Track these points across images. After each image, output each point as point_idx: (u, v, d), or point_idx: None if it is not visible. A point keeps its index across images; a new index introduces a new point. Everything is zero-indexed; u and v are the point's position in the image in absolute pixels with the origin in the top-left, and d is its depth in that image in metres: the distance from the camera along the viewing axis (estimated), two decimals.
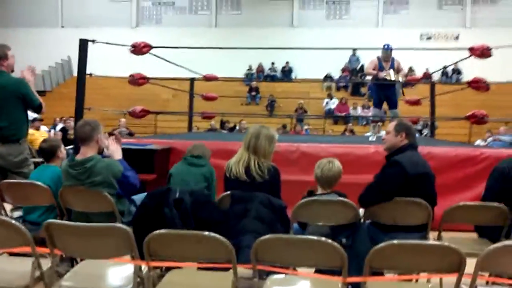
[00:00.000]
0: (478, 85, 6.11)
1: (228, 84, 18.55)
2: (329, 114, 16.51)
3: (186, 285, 2.50)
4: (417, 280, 2.73)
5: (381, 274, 2.58)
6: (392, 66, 7.44)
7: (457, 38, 18.81)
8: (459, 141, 11.30)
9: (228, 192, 3.41)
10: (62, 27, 21.32)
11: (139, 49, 6.15)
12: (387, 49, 7.42)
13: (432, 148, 5.77)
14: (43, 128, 11.11)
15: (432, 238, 3.43)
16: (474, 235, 3.71)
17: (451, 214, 3.40)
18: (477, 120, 5.98)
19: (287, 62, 20.10)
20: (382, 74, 7.38)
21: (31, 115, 8.94)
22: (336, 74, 19.78)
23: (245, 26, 20.16)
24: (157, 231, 2.35)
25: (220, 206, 3.48)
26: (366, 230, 3.35)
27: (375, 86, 7.90)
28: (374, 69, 7.60)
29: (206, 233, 2.33)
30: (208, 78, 9.51)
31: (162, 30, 20.39)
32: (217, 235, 2.32)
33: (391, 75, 7.36)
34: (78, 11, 21.20)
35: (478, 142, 12.42)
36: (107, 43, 6.08)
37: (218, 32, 20.45)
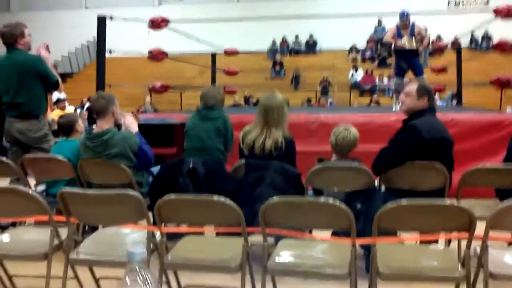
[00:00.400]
0: (503, 47, 5.91)
1: (253, 59, 18.45)
2: (355, 86, 16.28)
3: (199, 250, 2.54)
4: (428, 242, 2.70)
5: (395, 234, 2.57)
6: (412, 33, 7.18)
7: (487, 2, 18.13)
8: (490, 108, 11.02)
9: (243, 161, 3.42)
10: (86, 8, 21.50)
11: (157, 24, 6.17)
12: (403, 16, 7.18)
13: (456, 115, 5.66)
14: (70, 108, 11.31)
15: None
16: (496, 201, 3.64)
17: (470, 178, 3.33)
18: (503, 84, 5.80)
19: (311, 35, 19.84)
20: (400, 42, 7.15)
21: (55, 95, 9.13)
22: (362, 45, 19.41)
23: (268, 0, 19.91)
24: (167, 197, 2.38)
25: (235, 174, 3.51)
26: (381, 195, 3.32)
27: (395, 55, 7.68)
28: (392, 38, 7.38)
29: (216, 197, 2.35)
30: (228, 53, 9.49)
31: (185, 7, 20.34)
32: (227, 200, 2.34)
33: (410, 42, 7.13)
34: None
35: (509, 109, 12.07)
36: (124, 19, 6.11)
37: (241, 7, 20.28)
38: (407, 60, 7.44)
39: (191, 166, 3.37)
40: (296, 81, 17.53)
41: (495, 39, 16.08)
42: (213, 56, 10.20)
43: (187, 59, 16.05)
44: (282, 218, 2.37)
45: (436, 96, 12.19)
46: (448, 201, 2.22)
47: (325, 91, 15.68)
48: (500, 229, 2.25)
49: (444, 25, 16.35)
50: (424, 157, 3.24)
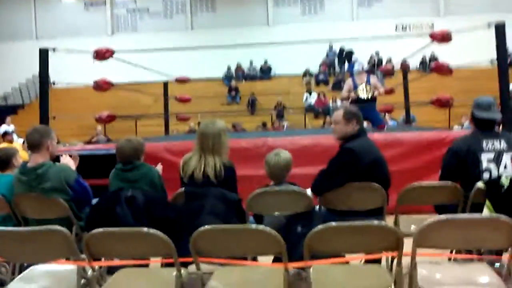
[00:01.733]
0: (440, 69, 6.15)
1: (208, 85, 18.54)
2: (309, 109, 16.54)
3: (131, 284, 2.47)
4: (361, 261, 2.72)
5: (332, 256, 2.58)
6: (368, 83, 7.27)
7: (432, 27, 18.90)
8: (439, 127, 11.37)
9: (182, 190, 3.39)
10: (37, 38, 21.15)
11: (102, 54, 6.11)
12: (352, 70, 7.31)
13: (401, 134, 5.81)
14: (20, 141, 11.01)
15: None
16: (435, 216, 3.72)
17: (407, 196, 3.41)
18: (442, 103, 6.01)
19: (265, 61, 20.13)
20: (353, 95, 7.19)
21: (3, 128, 8.88)
22: (315, 69, 19.82)
23: (221, 27, 20.16)
24: (95, 230, 2.32)
25: (175, 203, 3.47)
26: (321, 217, 3.34)
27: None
28: (348, 92, 7.46)
29: (145, 229, 2.31)
30: (179, 80, 9.47)
31: (139, 37, 20.34)
32: (157, 231, 2.30)
33: (364, 91, 7.17)
34: (53, 22, 21.11)
35: (456, 127, 12.51)
36: (68, 50, 6.03)
37: (194, 35, 20.44)
38: (364, 113, 7.43)
39: (129, 194, 3.30)
40: (252, 105, 17.67)
41: (442, 60, 16.80)
42: (165, 84, 10.16)
43: (141, 88, 15.93)
44: (214, 246, 2.35)
45: (387, 116, 12.51)
46: (375, 222, 2.25)
47: (280, 115, 15.84)
48: (427, 246, 2.28)
49: (394, 48, 16.93)
50: (362, 178, 3.31)
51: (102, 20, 21.32)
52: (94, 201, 3.68)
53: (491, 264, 2.58)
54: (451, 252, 3.07)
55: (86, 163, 4.91)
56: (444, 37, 5.81)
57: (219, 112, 15.43)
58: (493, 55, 5.59)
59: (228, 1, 20.99)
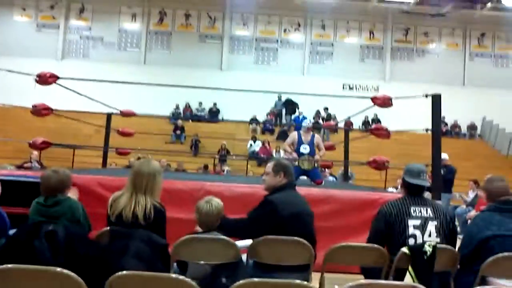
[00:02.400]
0: (379, 132, 6.39)
1: (154, 122, 18.35)
2: (252, 156, 16.65)
3: None
4: None
5: None
6: (311, 142, 7.28)
7: (376, 89, 19.80)
8: (376, 186, 11.69)
9: (107, 228, 3.26)
10: None
11: (45, 79, 5.94)
12: (302, 123, 7.35)
13: (335, 192, 5.91)
14: None
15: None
16: (361, 277, 3.75)
17: (334, 254, 3.42)
18: (378, 165, 6.20)
19: (214, 104, 20.26)
20: (295, 161, 7.15)
21: None
22: (262, 118, 20.13)
23: (174, 65, 20.25)
24: (2, 266, 2.16)
25: (99, 241, 3.32)
26: (247, 269, 3.30)
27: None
28: (291, 145, 7.44)
29: (58, 269, 2.18)
30: (125, 114, 9.33)
31: (89, 64, 20.06)
32: (68, 272, 2.18)
33: (304, 163, 7.12)
34: (1, 40, 20.47)
35: (390, 189, 12.90)
36: (9, 71, 5.83)
37: (146, 70, 20.38)
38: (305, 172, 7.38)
39: (50, 228, 3.13)
40: (195, 147, 17.58)
41: (384, 123, 17.51)
42: (109, 115, 9.98)
43: (85, 117, 15.48)
44: None
45: (326, 171, 12.75)
46: (297, 281, 2.23)
47: (223, 159, 15.83)
48: None
49: (339, 106, 17.51)
50: (282, 231, 3.31)
51: (53, 43, 20.92)
52: (12, 232, 3.48)
53: None
54: None
55: (10, 189, 4.67)
56: (385, 102, 6.07)
57: (162, 150, 15.22)
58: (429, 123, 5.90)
59: (184, 42, 21.22)
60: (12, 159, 13.97)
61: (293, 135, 7.61)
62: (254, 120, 19.50)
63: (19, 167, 11.43)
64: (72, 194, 3.67)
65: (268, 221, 3.31)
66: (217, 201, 3.40)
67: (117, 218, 3.23)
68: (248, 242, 3.42)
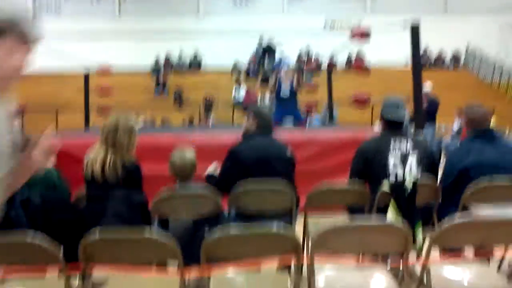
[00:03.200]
0: (359, 68, 6.27)
1: (134, 77, 18.02)
2: (237, 103, 16.50)
3: None
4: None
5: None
6: (291, 85, 7.38)
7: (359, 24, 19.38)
8: (363, 125, 11.66)
9: (84, 191, 3.21)
10: None
11: None
12: (279, 67, 7.32)
13: (317, 132, 5.86)
14: None
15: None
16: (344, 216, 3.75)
17: (316, 197, 3.41)
18: (360, 103, 6.13)
19: (195, 54, 19.82)
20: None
21: None
22: (245, 62, 19.76)
23: (151, 15, 19.64)
24: None
25: (77, 205, 3.28)
26: (230, 220, 3.29)
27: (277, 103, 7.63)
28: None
29: (29, 236, 2.13)
30: (102, 73, 9.09)
31: (62, 21, 19.39)
32: (40, 240, 2.13)
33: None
34: None
35: (378, 125, 12.87)
36: None
37: (122, 22, 19.77)
38: (286, 110, 7.45)
39: (25, 196, 3.07)
40: (179, 99, 17.35)
41: (368, 60, 17.31)
42: (86, 75, 9.71)
43: (64, 79, 15.16)
44: (107, 253, 2.21)
45: (313, 114, 12.68)
46: (274, 228, 2.21)
47: (208, 109, 15.68)
48: (325, 251, 2.26)
49: (322, 45, 17.21)
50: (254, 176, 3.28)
51: (22, 1, 20.11)
52: None
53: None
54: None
55: None
56: (363, 35, 5.91)
57: (145, 106, 15.03)
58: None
59: None
60: None
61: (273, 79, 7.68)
62: (236, 66, 19.19)
63: None
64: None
65: (234, 171, 3.29)
66: (190, 153, 3.33)
67: (92, 178, 3.18)
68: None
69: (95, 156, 3.21)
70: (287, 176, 3.39)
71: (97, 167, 3.15)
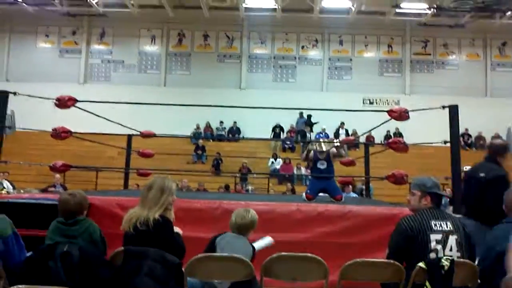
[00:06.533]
0: (396, 145, 6.32)
1: (175, 142, 18.52)
2: (273, 173, 16.60)
3: None
4: None
5: None
6: (328, 157, 7.20)
7: (397, 103, 19.60)
8: (397, 202, 11.49)
9: (121, 248, 3.29)
10: (7, 80, 20.97)
11: (64, 102, 6.08)
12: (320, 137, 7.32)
13: (353, 207, 5.83)
14: None
15: None
16: None
17: (348, 271, 3.38)
18: (396, 180, 6.11)
19: (234, 122, 20.34)
20: (312, 147, 7.16)
21: None
22: (283, 136, 20.12)
23: (194, 87, 20.45)
24: (14, 287, 2.20)
25: (113, 262, 3.35)
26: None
27: (312, 178, 7.48)
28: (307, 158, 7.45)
29: None
30: (145, 135, 9.43)
31: (111, 87, 20.44)
32: None
33: (322, 146, 7.12)
34: (25, 66, 21.06)
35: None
36: (29, 95, 5.98)
37: (166, 91, 20.64)
38: (322, 184, 7.25)
39: (65, 249, 3.18)
40: (217, 167, 17.63)
41: (406, 137, 17.29)
42: (129, 137, 10.09)
43: (107, 139, 15.66)
44: None
45: (350, 187, 12.61)
46: None
47: (244, 178, 15.83)
48: None
49: (360, 122, 17.39)
50: None
51: (76, 68, 21.39)
52: (28, 254, 3.53)
53: None
54: None
55: (30, 212, 4.75)
56: (401, 115, 6.00)
57: (183, 170, 15.30)
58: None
59: (203, 62, 21.45)
60: (37, 183, 14.21)
61: (310, 152, 7.48)
62: (277, 135, 19.51)
63: (43, 190, 11.64)
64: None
65: None
66: (254, 213, 3.65)
67: (127, 235, 3.32)
68: (268, 240, 3.53)
69: (132, 213, 3.39)
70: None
71: (132, 224, 3.30)
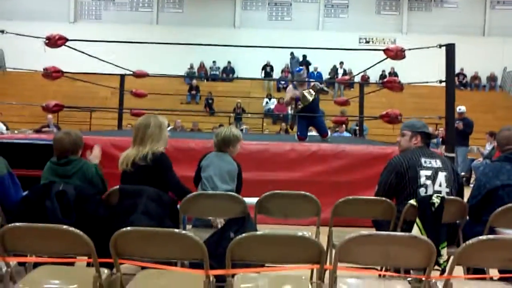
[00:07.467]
0: (391, 85, 6.29)
1: (168, 82, 18.34)
2: (267, 113, 16.59)
3: (48, 281, 2.39)
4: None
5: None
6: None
7: (394, 42, 19.30)
8: (390, 141, 11.58)
9: (117, 187, 3.33)
10: None
11: (54, 41, 5.93)
12: (299, 71, 6.97)
13: (347, 146, 5.89)
14: None
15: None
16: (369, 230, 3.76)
17: (341, 208, 3.44)
18: (390, 119, 6.13)
19: (228, 62, 20.07)
20: (297, 92, 6.80)
21: None
22: (276, 75, 19.92)
23: (187, 25, 19.99)
24: (11, 224, 2.23)
25: (109, 201, 3.40)
26: (254, 224, 3.34)
27: (298, 117, 7.19)
28: (292, 98, 7.05)
29: (64, 227, 2.24)
30: (138, 75, 9.32)
31: (102, 26, 19.95)
32: (75, 230, 2.23)
33: (308, 95, 6.72)
34: (11, 3, 20.41)
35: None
36: (17, 34, 5.83)
37: (159, 30, 20.19)
38: (309, 121, 7.14)
39: (60, 188, 3.20)
40: (209, 106, 17.56)
41: (401, 77, 17.18)
42: (122, 77, 9.97)
43: (100, 79, 15.49)
44: (136, 248, 2.29)
45: (343, 127, 12.66)
46: (299, 233, 2.25)
47: (238, 118, 15.82)
48: (349, 261, 2.30)
49: (356, 60, 17.17)
50: None
51: (65, 6, 20.78)
52: (24, 193, 3.57)
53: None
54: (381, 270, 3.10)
55: (25, 152, 4.76)
56: (397, 54, 5.93)
57: (177, 110, 15.25)
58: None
59: (196, 1, 20.86)
60: (32, 124, 14.16)
61: (290, 89, 7.23)
62: (268, 74, 19.30)
63: (37, 131, 11.61)
64: (95, 151, 3.84)
65: None
66: (237, 131, 3.78)
67: (124, 173, 3.39)
68: (253, 199, 3.50)
69: (128, 152, 3.41)
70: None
71: (130, 161, 3.33)
